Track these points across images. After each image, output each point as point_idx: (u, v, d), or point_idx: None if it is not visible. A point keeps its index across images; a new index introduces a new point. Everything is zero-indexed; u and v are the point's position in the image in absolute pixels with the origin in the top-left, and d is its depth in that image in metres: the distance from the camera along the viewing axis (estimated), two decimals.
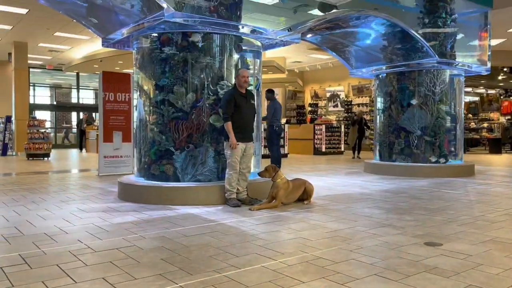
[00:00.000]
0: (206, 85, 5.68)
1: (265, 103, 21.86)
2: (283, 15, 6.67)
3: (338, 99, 21.33)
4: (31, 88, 22.72)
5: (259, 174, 5.45)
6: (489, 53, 9.92)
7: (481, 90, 24.46)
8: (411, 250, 3.37)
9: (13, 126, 16.51)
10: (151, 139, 5.84)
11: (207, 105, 5.66)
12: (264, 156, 13.06)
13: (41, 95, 24.01)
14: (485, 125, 19.72)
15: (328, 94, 21.83)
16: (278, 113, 9.35)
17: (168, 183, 5.63)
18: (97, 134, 13.04)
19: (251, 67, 6.23)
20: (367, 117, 18.38)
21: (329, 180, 8.19)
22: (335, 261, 3.08)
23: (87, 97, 25.42)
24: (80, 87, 24.51)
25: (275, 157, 9.36)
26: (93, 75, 22.91)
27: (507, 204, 5.47)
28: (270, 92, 9.57)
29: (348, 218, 4.60)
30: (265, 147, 13.96)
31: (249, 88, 5.70)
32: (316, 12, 7.03)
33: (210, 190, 5.50)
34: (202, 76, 5.67)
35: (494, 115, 21.02)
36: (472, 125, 19.75)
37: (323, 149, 16.10)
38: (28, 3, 11.69)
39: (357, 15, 7.71)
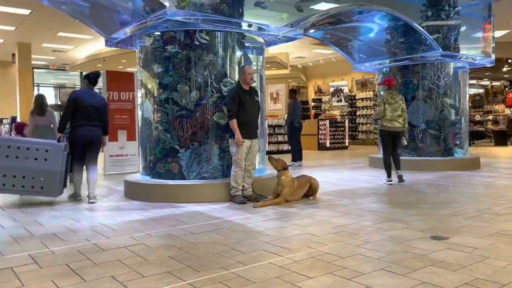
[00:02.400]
0: (209, 83, 5.69)
1: (268, 99, 21.74)
2: (285, 11, 6.66)
3: (342, 94, 21.27)
4: (36, 88, 22.82)
5: (269, 158, 5.48)
6: (493, 45, 9.85)
7: (486, 82, 24.32)
8: (417, 244, 3.38)
9: None
10: (156, 138, 5.86)
11: (211, 102, 5.68)
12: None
13: (46, 96, 24.13)
14: (490, 117, 19.61)
15: (331, 89, 21.77)
16: (298, 111, 10.41)
17: (173, 181, 5.66)
18: None
19: (254, 63, 6.23)
20: (372, 112, 18.33)
21: (334, 175, 8.20)
22: (342, 256, 3.10)
23: None
24: None
25: (297, 151, 10.22)
26: None
27: None
28: (293, 92, 10.73)
29: (353, 213, 4.61)
30: (270, 143, 13.99)
31: (253, 85, 5.71)
32: (318, 7, 7.01)
33: (216, 187, 5.53)
34: (205, 73, 5.68)
35: (499, 107, 20.90)
36: (477, 117, 19.65)
37: (327, 144, 16.08)
38: (31, 4, 11.72)
39: (360, 10, 7.68)
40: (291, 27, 6.32)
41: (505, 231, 3.74)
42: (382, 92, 9.79)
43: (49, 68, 22.10)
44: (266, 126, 12.80)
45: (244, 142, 5.30)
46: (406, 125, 6.86)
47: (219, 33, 5.77)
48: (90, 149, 5.56)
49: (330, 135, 16.20)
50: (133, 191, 5.86)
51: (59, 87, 24.74)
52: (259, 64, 6.36)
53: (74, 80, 24.63)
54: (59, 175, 5.30)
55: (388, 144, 6.79)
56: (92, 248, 3.43)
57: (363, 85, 20.29)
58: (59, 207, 5.32)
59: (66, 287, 2.58)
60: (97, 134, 5.57)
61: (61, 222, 4.45)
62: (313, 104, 22.93)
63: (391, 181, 6.70)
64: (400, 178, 6.62)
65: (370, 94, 19.80)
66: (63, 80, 25.16)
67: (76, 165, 5.62)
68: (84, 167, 5.69)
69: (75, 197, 5.74)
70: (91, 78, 5.67)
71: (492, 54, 9.80)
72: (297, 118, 10.23)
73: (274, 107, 21.83)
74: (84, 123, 5.44)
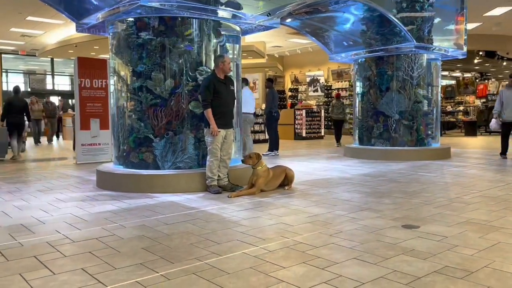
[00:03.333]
0: (184, 71, 5.60)
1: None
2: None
3: (318, 84, 21.38)
4: (4, 74, 22.05)
5: (243, 160, 5.45)
6: (465, 37, 10.05)
7: (457, 74, 24.89)
8: (389, 233, 3.44)
9: None
10: (130, 127, 5.74)
11: (186, 91, 5.60)
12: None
13: (15, 82, 23.31)
14: (461, 108, 20.12)
15: (308, 79, 21.86)
16: (276, 100, 10.44)
17: (147, 171, 5.57)
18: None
19: (230, 52, 6.16)
20: (347, 102, 18.50)
21: (310, 165, 8.25)
22: (316, 245, 3.12)
23: (62, 83, 24.82)
24: (55, 73, 23.88)
25: (274, 140, 10.27)
26: (68, 60, 22.32)
27: (481, 186, 5.63)
28: (270, 81, 10.79)
29: (328, 203, 4.66)
30: (240, 133, 13.95)
31: (229, 74, 5.64)
32: None
33: (191, 177, 5.48)
34: (180, 61, 5.58)
35: (469, 98, 21.46)
36: (449, 108, 20.13)
37: (304, 134, 16.19)
38: None
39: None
40: (268, 15, 6.26)
41: (474, 220, 3.84)
42: (357, 83, 9.91)
43: (18, 54, 21.33)
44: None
45: (219, 131, 5.25)
46: (345, 117, 13.54)
47: (194, 20, 5.67)
48: (18, 129, 9.89)
49: (306, 124, 16.30)
50: (106, 181, 5.74)
51: (28, 73, 23.93)
52: (235, 52, 6.29)
53: (44, 66, 23.86)
54: (4, 144, 9.87)
55: (336, 127, 13.22)
56: (62, 240, 3.34)
57: (339, 75, 20.44)
58: (28, 197, 5.17)
59: (34, 280, 2.51)
60: (21, 121, 9.96)
61: (30, 213, 4.32)
62: (289, 93, 22.99)
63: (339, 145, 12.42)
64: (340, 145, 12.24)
65: (345, 84, 19.98)
66: (33, 66, 24.34)
67: (12, 138, 9.77)
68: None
69: (14, 158, 9.60)
70: (16, 90, 10.06)
71: (464, 46, 10.01)
72: (275, 107, 10.28)
73: None
74: (14, 115, 9.74)
